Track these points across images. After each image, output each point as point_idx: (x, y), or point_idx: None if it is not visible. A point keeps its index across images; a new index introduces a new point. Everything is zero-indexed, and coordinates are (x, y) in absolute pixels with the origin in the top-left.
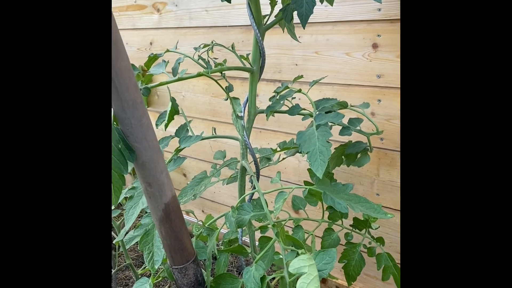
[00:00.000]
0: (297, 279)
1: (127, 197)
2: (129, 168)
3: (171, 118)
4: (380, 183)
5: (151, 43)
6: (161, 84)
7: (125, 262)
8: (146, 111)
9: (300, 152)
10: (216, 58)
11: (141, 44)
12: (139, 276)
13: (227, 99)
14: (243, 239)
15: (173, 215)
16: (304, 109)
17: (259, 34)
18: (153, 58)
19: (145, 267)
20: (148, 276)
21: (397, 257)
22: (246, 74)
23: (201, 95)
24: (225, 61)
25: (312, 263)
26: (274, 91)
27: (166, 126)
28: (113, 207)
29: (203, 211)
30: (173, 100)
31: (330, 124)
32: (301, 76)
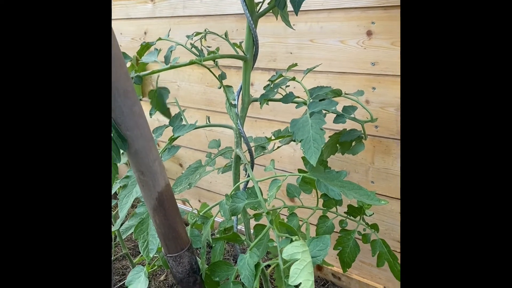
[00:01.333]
0: (291, 265)
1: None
2: (124, 159)
3: (157, 108)
4: (375, 171)
5: (145, 33)
6: (153, 72)
7: (122, 251)
8: (137, 100)
9: (294, 140)
10: (209, 47)
11: (135, 34)
12: (136, 265)
13: (220, 88)
14: (238, 227)
15: (167, 204)
16: (298, 97)
17: (252, 22)
18: (145, 47)
19: (141, 256)
20: (144, 265)
21: (392, 244)
22: (242, 63)
23: (196, 85)
24: (217, 49)
25: (305, 249)
26: (269, 80)
27: (151, 114)
28: None
29: (199, 201)
30: (159, 89)
31: (324, 112)
32: (295, 65)
